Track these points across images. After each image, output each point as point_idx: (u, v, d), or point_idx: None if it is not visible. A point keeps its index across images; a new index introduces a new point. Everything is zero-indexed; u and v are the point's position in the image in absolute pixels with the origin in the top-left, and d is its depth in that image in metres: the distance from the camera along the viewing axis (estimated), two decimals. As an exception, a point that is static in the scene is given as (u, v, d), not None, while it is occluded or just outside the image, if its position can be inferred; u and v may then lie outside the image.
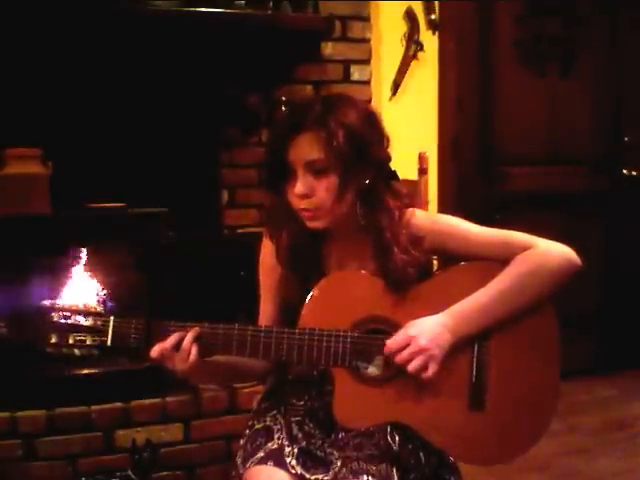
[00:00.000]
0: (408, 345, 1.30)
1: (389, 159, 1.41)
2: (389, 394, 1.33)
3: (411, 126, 2.93)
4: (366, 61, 2.67)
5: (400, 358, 1.30)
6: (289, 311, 1.42)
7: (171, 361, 1.29)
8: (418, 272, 1.38)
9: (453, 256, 1.42)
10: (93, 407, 2.25)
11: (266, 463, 1.32)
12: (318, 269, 1.41)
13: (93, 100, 2.33)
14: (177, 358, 1.29)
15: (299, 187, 1.33)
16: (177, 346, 1.28)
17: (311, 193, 1.33)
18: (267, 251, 1.47)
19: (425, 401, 1.33)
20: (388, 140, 1.39)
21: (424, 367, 1.30)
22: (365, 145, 1.33)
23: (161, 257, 2.47)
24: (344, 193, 1.34)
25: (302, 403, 1.43)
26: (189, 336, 1.29)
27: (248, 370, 1.46)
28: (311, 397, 1.43)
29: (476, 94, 3.21)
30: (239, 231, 2.53)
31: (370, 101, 2.65)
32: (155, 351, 1.28)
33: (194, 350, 1.29)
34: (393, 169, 1.43)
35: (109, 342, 1.29)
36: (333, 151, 1.30)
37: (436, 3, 3.01)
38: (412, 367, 1.29)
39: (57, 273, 2.40)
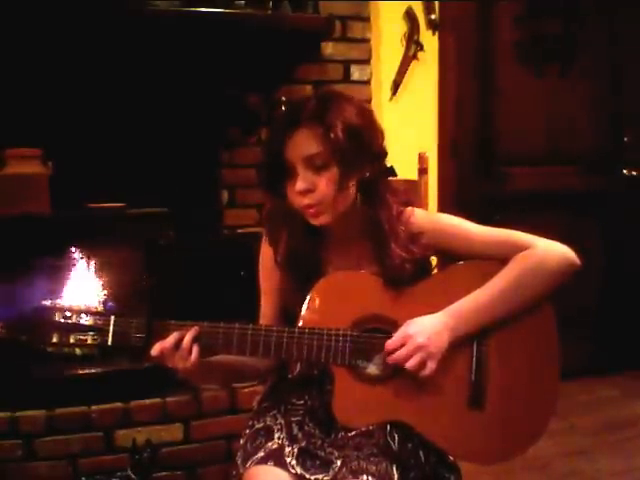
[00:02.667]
0: (406, 343, 1.30)
1: (385, 154, 1.41)
2: (389, 393, 1.33)
3: (411, 126, 2.93)
4: (366, 61, 2.67)
5: (398, 355, 1.30)
6: (289, 314, 1.43)
7: (171, 360, 1.29)
8: (416, 269, 1.38)
9: (454, 255, 1.43)
10: (93, 407, 2.25)
11: (266, 463, 1.32)
12: (318, 272, 1.40)
13: (93, 100, 2.33)
14: (177, 357, 1.29)
15: (300, 183, 1.33)
16: (177, 345, 1.29)
17: (313, 188, 1.33)
18: (266, 254, 1.48)
19: (424, 400, 1.34)
20: (383, 135, 1.40)
21: (422, 365, 1.30)
22: (362, 138, 1.34)
23: (161, 257, 2.47)
24: (345, 185, 1.34)
25: (302, 402, 1.43)
26: (189, 335, 1.29)
27: (249, 369, 1.47)
28: (311, 396, 1.43)
29: (476, 94, 3.21)
30: (239, 231, 2.53)
31: (370, 101, 2.65)
32: (155, 349, 1.28)
33: (194, 349, 1.29)
34: (390, 165, 1.43)
35: (110, 341, 1.29)
36: (332, 144, 1.30)
37: (436, 3, 3.00)
38: (410, 364, 1.30)
39: (57, 273, 2.41)
